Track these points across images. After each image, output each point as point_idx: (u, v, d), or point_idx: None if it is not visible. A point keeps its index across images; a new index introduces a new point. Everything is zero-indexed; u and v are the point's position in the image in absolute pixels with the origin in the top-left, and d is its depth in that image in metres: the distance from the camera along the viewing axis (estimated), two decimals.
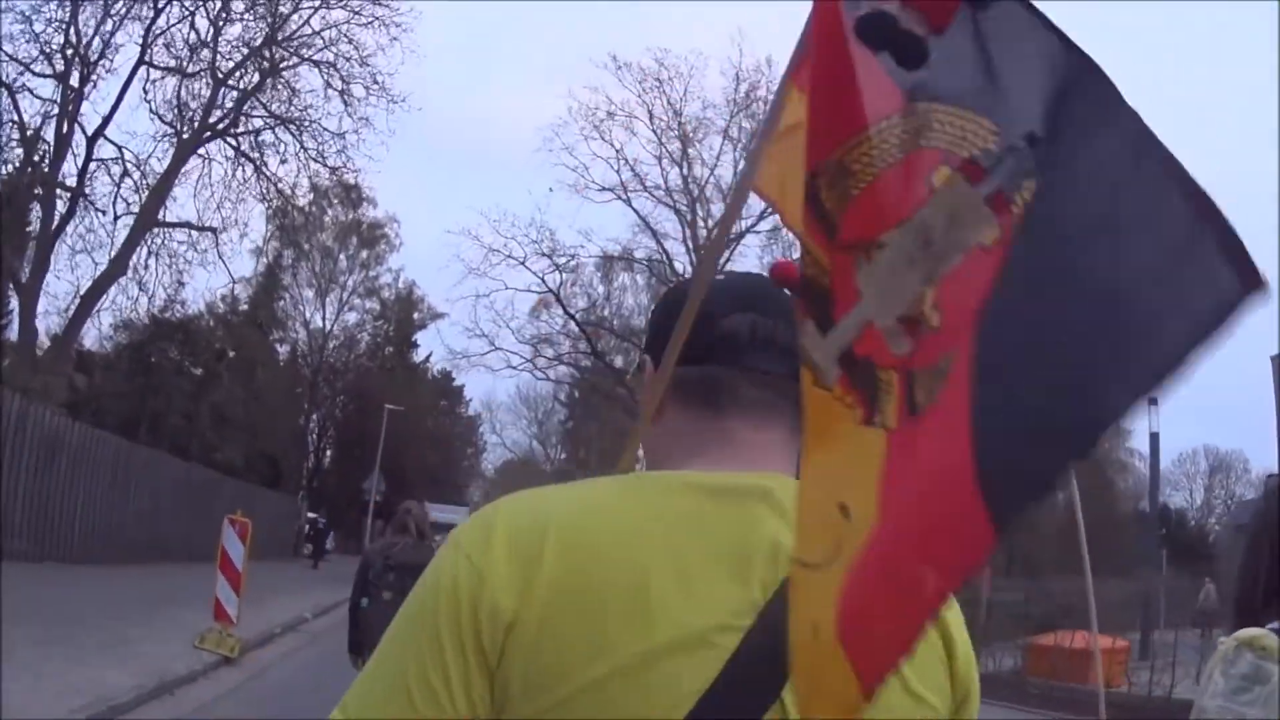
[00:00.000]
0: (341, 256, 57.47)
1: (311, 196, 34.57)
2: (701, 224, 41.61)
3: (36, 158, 24.87)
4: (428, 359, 64.80)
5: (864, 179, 0.95)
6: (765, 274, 1.35)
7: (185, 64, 27.25)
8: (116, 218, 26.42)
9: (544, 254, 39.99)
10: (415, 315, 61.82)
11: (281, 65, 28.56)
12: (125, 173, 26.30)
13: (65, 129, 24.97)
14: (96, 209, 26.45)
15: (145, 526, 20.25)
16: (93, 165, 26.00)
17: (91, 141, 25.55)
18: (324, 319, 56.81)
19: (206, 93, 27.40)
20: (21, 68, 24.23)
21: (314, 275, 56.53)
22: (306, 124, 29.02)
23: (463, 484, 71.63)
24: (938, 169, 0.92)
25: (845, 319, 0.95)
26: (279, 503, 37.14)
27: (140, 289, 27.09)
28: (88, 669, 9.05)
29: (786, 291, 1.21)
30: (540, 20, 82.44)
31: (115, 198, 26.38)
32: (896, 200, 0.94)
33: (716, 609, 0.99)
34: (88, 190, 26.17)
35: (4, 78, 23.84)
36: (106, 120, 25.69)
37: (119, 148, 26.25)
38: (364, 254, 58.42)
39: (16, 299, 24.71)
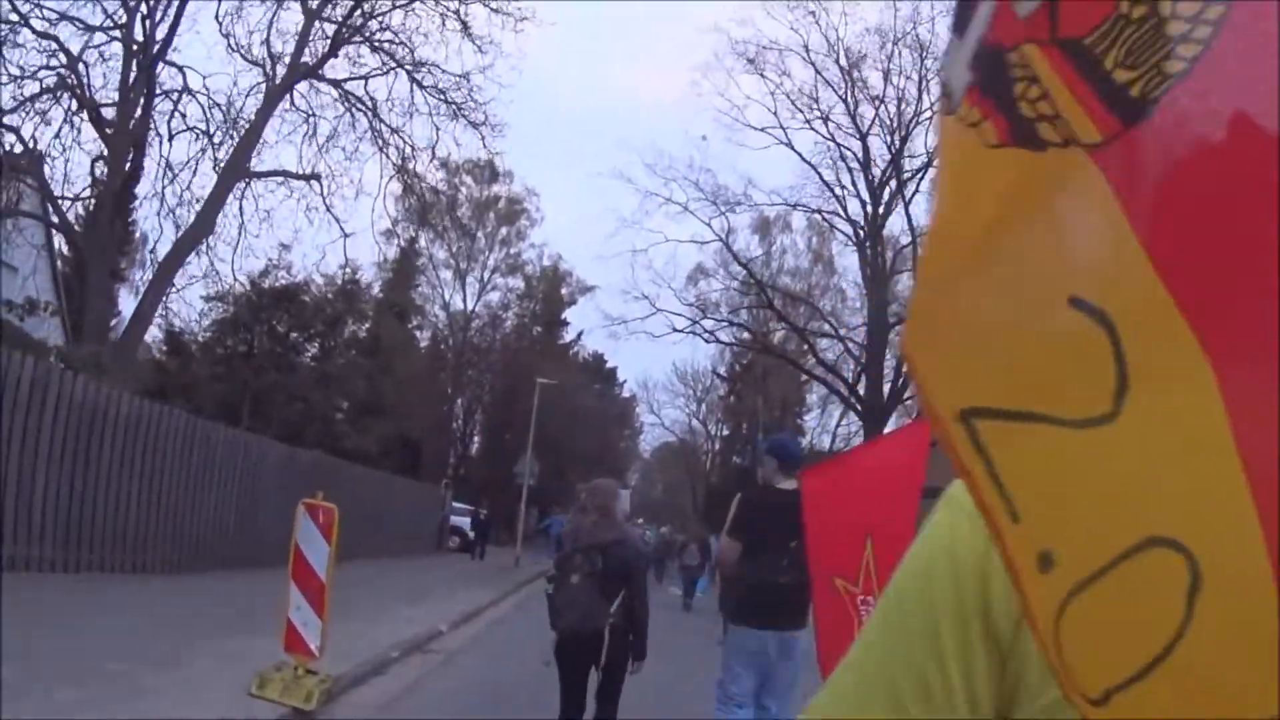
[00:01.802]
0: (480, 234, 54.61)
1: (442, 173, 31.54)
2: (876, 162, 36.68)
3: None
4: (579, 338, 62.07)
5: None
6: None
7: None
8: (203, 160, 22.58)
9: (708, 199, 35.88)
10: (563, 291, 58.84)
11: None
12: (208, 126, 22.45)
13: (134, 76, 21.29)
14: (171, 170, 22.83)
15: (226, 526, 16.50)
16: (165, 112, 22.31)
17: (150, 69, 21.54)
18: (464, 300, 53.79)
19: (296, 28, 23.41)
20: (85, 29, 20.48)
21: (451, 255, 53.78)
22: (423, 65, 24.91)
23: (621, 466, 68.42)
24: None
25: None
26: (419, 493, 33.14)
27: (233, 251, 23.14)
28: None
29: None
30: None
31: (202, 146, 22.58)
32: None
33: None
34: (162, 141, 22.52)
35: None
36: (166, 44, 21.77)
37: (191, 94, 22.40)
38: (503, 230, 55.70)
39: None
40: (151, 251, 23.25)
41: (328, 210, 24.07)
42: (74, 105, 20.42)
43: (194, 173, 22.61)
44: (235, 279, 23.52)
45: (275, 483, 17.69)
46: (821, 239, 43.02)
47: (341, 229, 24.46)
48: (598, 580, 5.85)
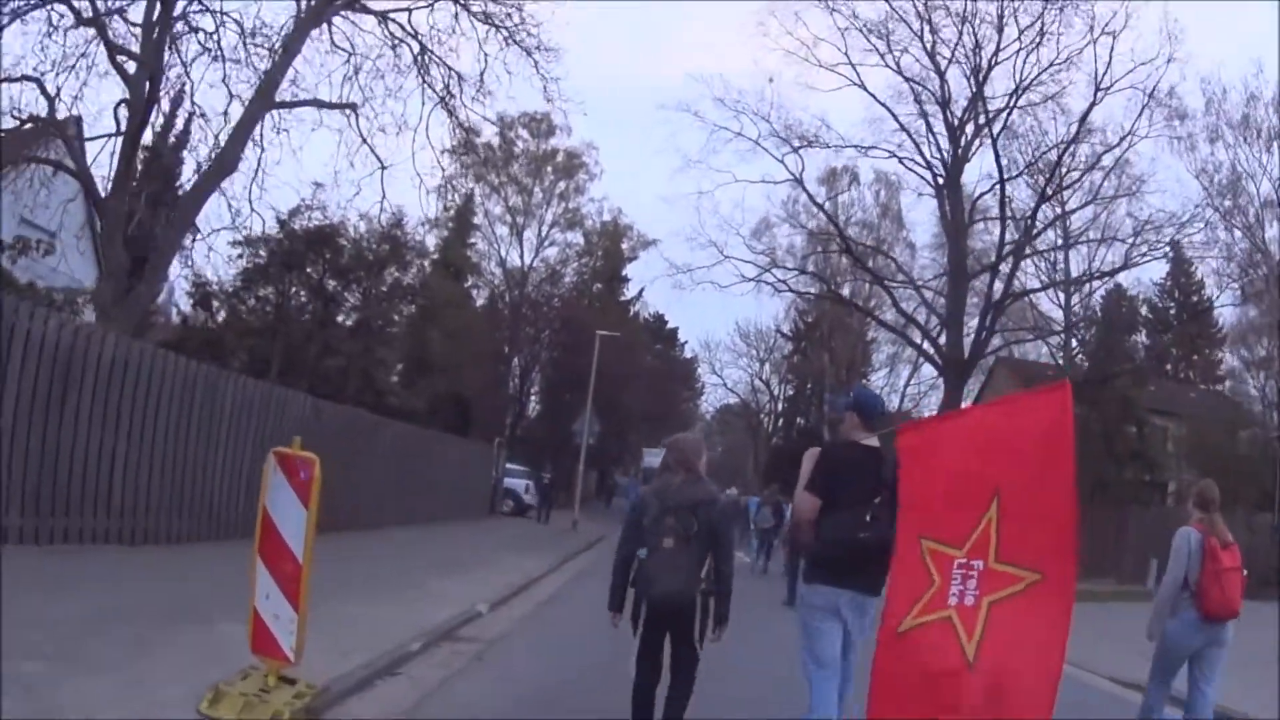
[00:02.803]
0: (537, 189, 52.74)
1: (498, 126, 29.16)
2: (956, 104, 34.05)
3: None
4: (640, 294, 60.24)
5: None
6: None
7: None
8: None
9: (779, 135, 33.54)
10: (624, 245, 56.87)
11: None
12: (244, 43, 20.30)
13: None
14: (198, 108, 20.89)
15: (234, 491, 14.07)
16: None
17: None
18: (521, 256, 51.94)
19: None
20: None
21: (507, 209, 51.97)
22: None
23: (683, 426, 66.58)
24: None
25: None
26: (470, 452, 30.71)
27: (260, 189, 21.00)
28: None
29: None
30: None
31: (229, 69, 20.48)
32: None
33: None
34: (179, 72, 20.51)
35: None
36: None
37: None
38: (561, 185, 53.71)
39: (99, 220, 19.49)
40: (176, 192, 21.36)
41: (364, 142, 21.93)
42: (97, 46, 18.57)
43: (223, 114, 20.68)
44: (254, 211, 21.27)
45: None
46: (890, 192, 40.57)
47: (379, 160, 22.29)
48: (691, 543, 5.62)
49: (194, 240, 21.52)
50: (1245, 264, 33.73)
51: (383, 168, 22.52)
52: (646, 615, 5.75)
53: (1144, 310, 50.61)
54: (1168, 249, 30.70)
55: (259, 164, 20.88)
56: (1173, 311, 54.01)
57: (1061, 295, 35.89)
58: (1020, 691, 4.47)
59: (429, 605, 10.31)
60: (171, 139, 24.39)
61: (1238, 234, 33.03)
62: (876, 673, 4.82)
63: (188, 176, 21.70)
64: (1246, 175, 32.96)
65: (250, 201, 21.28)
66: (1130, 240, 31.31)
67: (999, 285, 32.80)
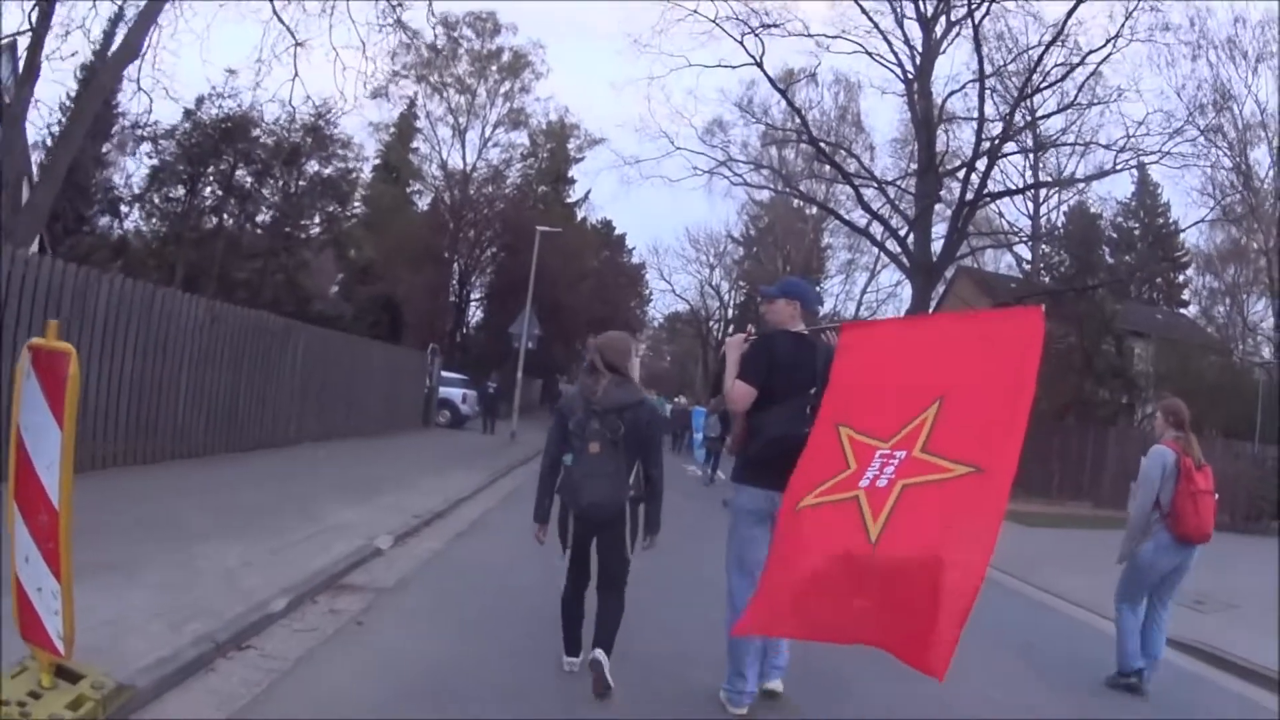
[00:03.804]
0: (481, 90, 50.53)
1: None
2: None
3: None
4: (586, 196, 58.31)
5: None
6: None
7: None
8: None
9: (738, 19, 31.41)
10: (570, 145, 54.81)
11: None
12: None
13: None
14: None
15: (113, 412, 12.03)
16: None
17: None
18: (464, 158, 49.63)
19: None
20: None
21: (449, 110, 49.69)
22: None
23: (630, 331, 65.14)
24: None
25: None
26: (400, 359, 28.31)
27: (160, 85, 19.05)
28: None
29: None
30: None
31: None
32: None
33: None
34: None
35: None
36: None
37: None
38: (506, 85, 51.32)
39: None
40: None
41: (275, 16, 19.73)
42: None
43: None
44: (140, 89, 19.04)
45: (192, 353, 13.76)
46: (849, 94, 38.62)
47: (293, 36, 20.19)
48: (619, 449, 5.35)
49: (111, 141, 19.52)
50: (1226, 186, 32.77)
51: (296, 44, 20.45)
52: (575, 526, 5.49)
53: (1108, 231, 49.62)
54: (1156, 156, 28.93)
55: (151, 45, 18.67)
56: (1137, 232, 53.15)
57: (1030, 204, 34.45)
58: (937, 579, 3.88)
59: (316, 543, 8.49)
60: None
61: (1221, 155, 31.85)
62: (770, 553, 4.62)
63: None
64: (1230, 95, 31.82)
65: (147, 91, 19.15)
66: (1117, 145, 29.57)
67: (974, 181, 30.98)
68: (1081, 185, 31.68)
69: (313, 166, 26.23)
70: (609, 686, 5.32)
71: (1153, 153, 28.87)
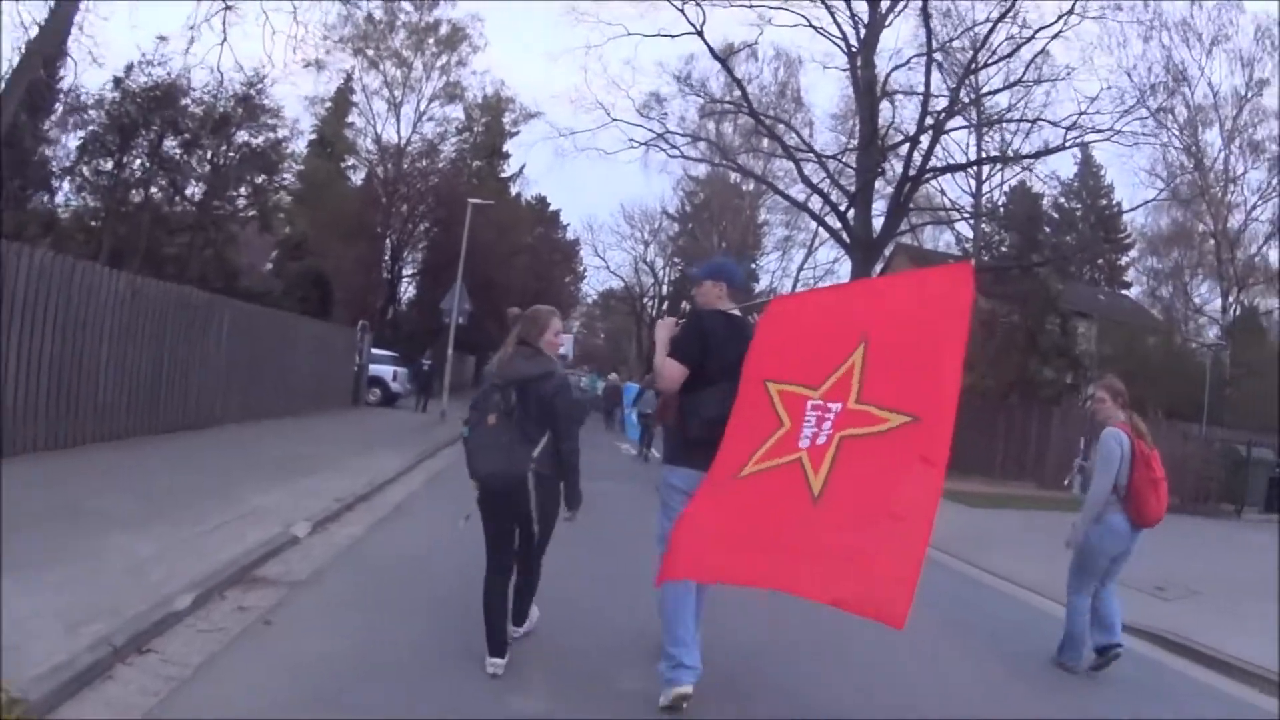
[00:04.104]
0: (418, 63, 50.31)
1: None
2: None
3: None
4: (521, 171, 58.04)
5: None
6: None
7: None
8: None
9: None
10: (505, 119, 54.42)
11: None
12: None
13: None
14: None
15: (30, 390, 11.54)
16: None
17: None
18: (398, 132, 49.14)
19: None
20: None
21: (385, 84, 49.20)
22: None
23: (564, 307, 64.88)
24: None
25: None
26: (329, 335, 27.59)
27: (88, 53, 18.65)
28: None
29: None
30: None
31: None
32: None
33: None
34: None
35: None
36: None
37: None
38: (444, 58, 50.82)
39: None
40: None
41: None
42: None
43: None
44: (68, 57, 18.69)
45: (113, 328, 13.46)
46: (789, 70, 38.61)
47: None
48: (516, 420, 5.34)
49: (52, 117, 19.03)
50: (1176, 167, 33.25)
51: (227, 6, 20.09)
52: (479, 497, 5.48)
53: (1050, 211, 50.24)
54: (1107, 134, 29.15)
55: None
56: (1079, 212, 53.93)
57: (973, 182, 34.70)
58: (887, 531, 4.04)
59: (230, 531, 8.29)
60: None
61: (1171, 136, 32.29)
62: (692, 521, 4.66)
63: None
64: (1184, 77, 32.25)
65: (74, 57, 18.73)
66: (1065, 122, 29.76)
67: (917, 158, 31.02)
68: (1029, 161, 31.75)
69: (242, 136, 25.67)
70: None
71: (1104, 129, 29.12)
